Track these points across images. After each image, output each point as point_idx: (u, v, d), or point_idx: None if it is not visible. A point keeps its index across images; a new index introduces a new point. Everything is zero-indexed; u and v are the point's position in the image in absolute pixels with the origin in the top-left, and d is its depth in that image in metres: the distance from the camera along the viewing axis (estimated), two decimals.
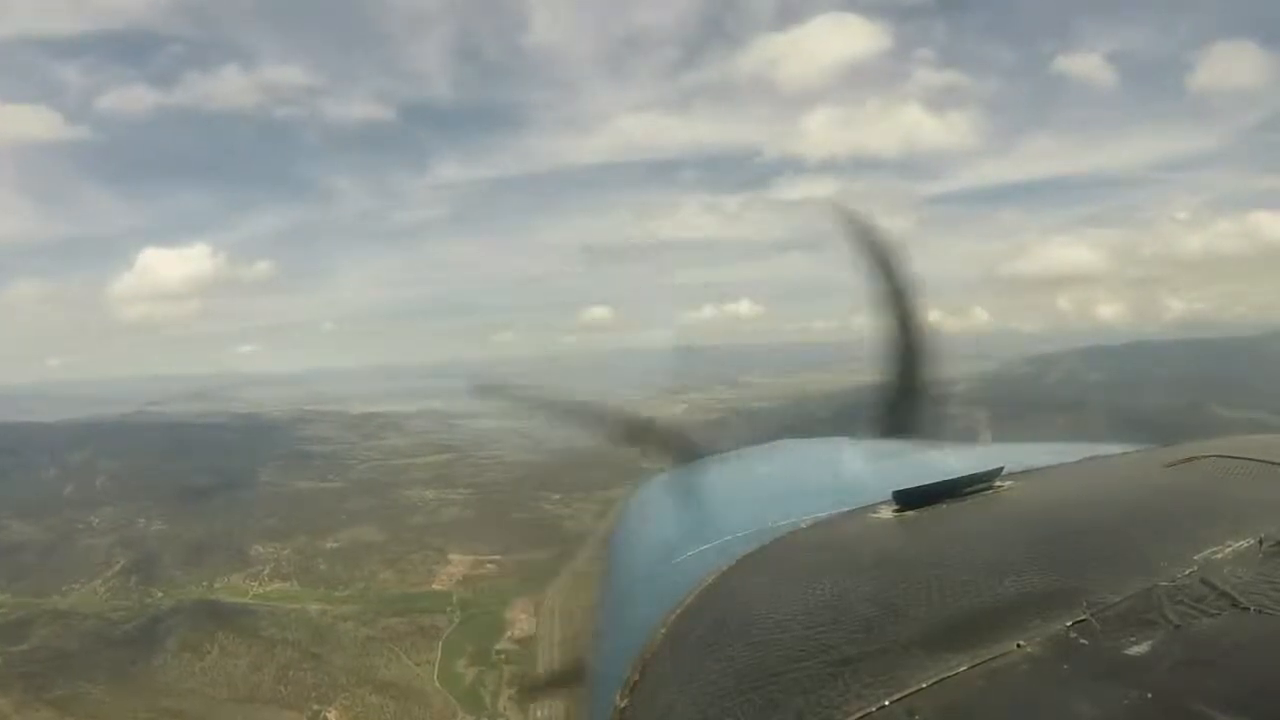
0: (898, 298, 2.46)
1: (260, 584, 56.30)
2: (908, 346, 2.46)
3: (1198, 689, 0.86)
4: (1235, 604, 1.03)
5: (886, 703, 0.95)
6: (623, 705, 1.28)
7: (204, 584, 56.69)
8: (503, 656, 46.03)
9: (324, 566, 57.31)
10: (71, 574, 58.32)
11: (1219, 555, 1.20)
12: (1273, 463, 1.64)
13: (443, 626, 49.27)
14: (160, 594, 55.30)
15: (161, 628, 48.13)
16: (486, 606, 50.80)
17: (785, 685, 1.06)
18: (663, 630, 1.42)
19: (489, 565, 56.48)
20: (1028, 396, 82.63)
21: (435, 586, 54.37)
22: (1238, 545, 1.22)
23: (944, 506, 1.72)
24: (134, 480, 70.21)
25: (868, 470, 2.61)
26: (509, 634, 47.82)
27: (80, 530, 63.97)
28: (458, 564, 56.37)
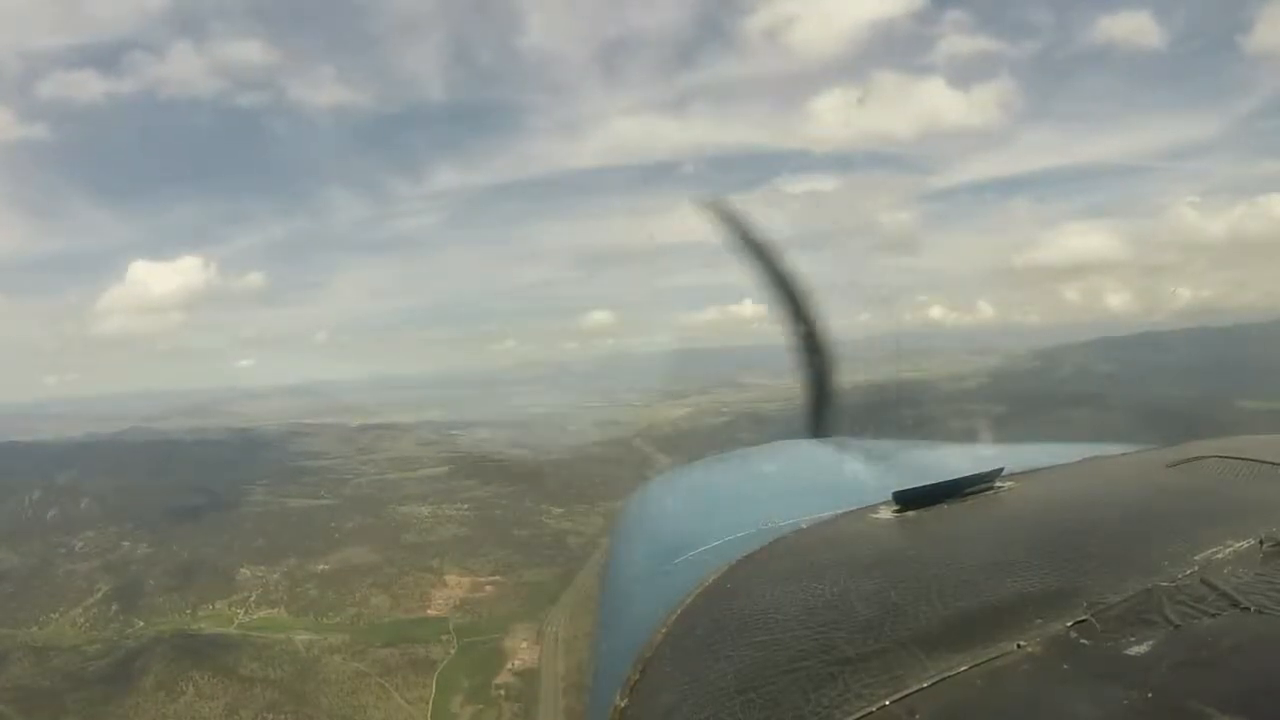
0: (791, 299, 2.32)
1: (246, 611, 53.21)
2: (811, 348, 2.34)
3: (1198, 689, 0.87)
4: (1235, 604, 1.03)
5: (886, 703, 0.96)
6: (623, 705, 1.28)
7: (187, 612, 53.67)
8: (502, 692, 42.65)
9: (314, 591, 54.12)
10: (51, 602, 55.54)
11: (1219, 555, 1.21)
12: (1273, 463, 1.64)
13: (438, 658, 45.82)
14: (141, 623, 52.35)
15: (138, 664, 44.93)
16: (485, 634, 47.50)
17: (785, 685, 1.07)
18: (663, 630, 1.43)
19: (488, 587, 53.30)
20: (1042, 391, 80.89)
21: (431, 612, 51.06)
22: (1238, 545, 1.24)
23: (944, 507, 1.72)
24: (120, 501, 67.42)
25: (868, 470, 2.63)
26: (509, 665, 44.45)
27: (62, 555, 61.20)
28: (455, 586, 53.19)
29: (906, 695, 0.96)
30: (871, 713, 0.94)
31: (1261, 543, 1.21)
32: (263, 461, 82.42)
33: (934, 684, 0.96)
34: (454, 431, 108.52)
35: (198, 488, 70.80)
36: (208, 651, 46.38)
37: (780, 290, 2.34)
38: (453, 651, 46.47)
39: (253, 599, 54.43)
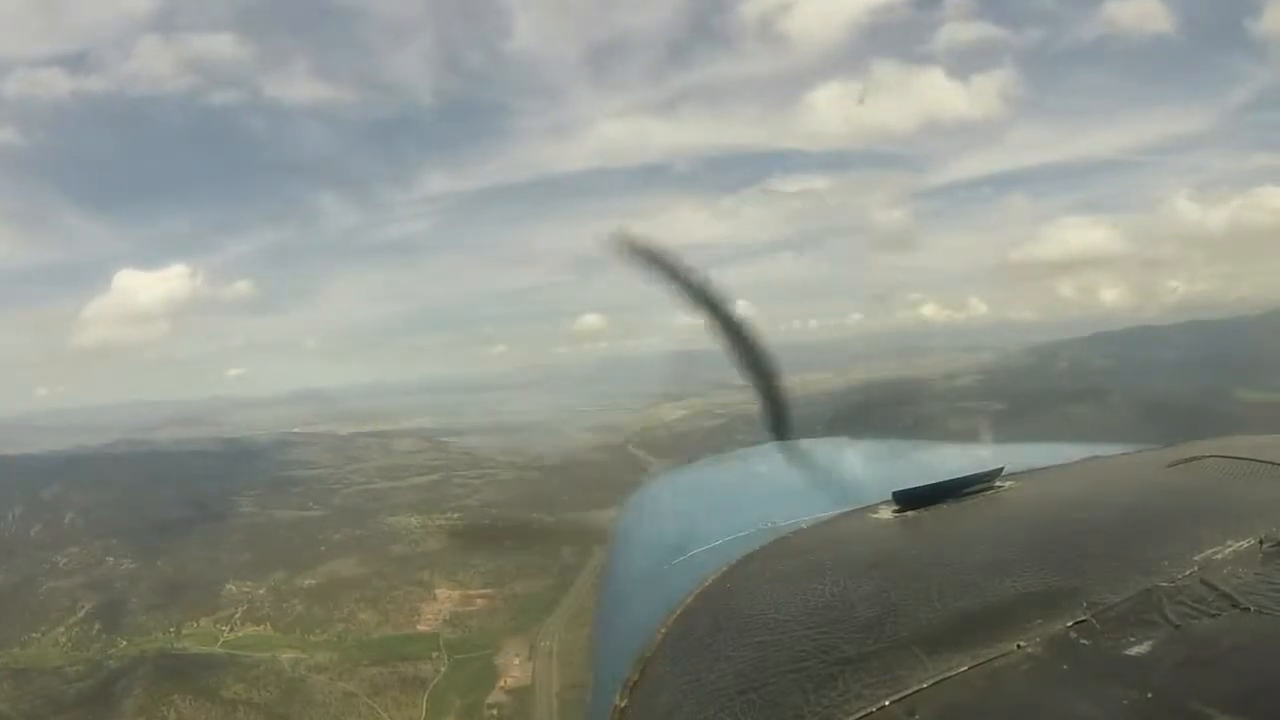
0: (721, 317, 2.43)
1: (231, 628, 52.04)
2: (746, 353, 2.42)
3: (1198, 689, 0.88)
4: (1235, 604, 1.04)
5: (886, 703, 0.97)
6: (623, 705, 1.30)
7: (172, 630, 52.50)
8: (495, 712, 41.55)
9: (300, 607, 52.93)
10: (34, 621, 54.32)
11: (1219, 555, 1.23)
12: (1273, 463, 1.65)
13: (428, 676, 44.69)
14: (124, 642, 51.23)
15: (119, 686, 43.87)
16: (476, 650, 46.39)
17: (785, 685, 1.09)
18: (663, 630, 1.46)
19: (479, 601, 52.23)
20: (1039, 387, 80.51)
21: (420, 627, 49.88)
22: (1238, 545, 1.25)
23: (944, 507, 1.75)
24: (106, 515, 66.25)
25: (868, 470, 2.64)
26: (501, 683, 43.38)
27: (45, 572, 60.00)
28: (444, 600, 52.08)
29: (906, 695, 0.96)
30: (871, 713, 0.95)
31: (1261, 543, 1.21)
32: (251, 472, 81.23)
33: (934, 684, 0.97)
34: (445, 438, 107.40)
35: (185, 500, 69.64)
36: (191, 672, 45.29)
37: (709, 309, 2.32)
38: (443, 669, 45.38)
39: (238, 616, 53.30)
